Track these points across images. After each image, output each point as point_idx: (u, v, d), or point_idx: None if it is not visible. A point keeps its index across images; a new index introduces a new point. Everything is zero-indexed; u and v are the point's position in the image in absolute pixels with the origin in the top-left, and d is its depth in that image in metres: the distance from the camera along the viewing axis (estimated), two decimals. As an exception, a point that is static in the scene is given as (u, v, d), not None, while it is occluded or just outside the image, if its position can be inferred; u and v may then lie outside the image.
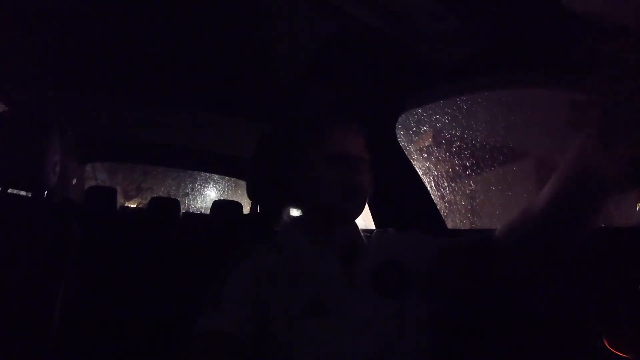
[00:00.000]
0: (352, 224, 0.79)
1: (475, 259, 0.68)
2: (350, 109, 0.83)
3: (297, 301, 0.65)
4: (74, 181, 1.98)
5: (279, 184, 0.81)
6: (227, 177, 4.23)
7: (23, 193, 1.13)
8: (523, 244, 0.61)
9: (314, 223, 0.77)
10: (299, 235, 0.76)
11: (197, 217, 2.60)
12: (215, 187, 6.77)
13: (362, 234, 0.80)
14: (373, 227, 1.35)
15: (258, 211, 2.04)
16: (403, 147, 1.30)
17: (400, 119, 1.31)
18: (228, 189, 6.13)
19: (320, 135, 0.75)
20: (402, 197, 1.24)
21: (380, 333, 0.66)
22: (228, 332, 0.60)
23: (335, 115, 0.79)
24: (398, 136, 1.29)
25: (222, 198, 4.39)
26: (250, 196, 1.17)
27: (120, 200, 1.96)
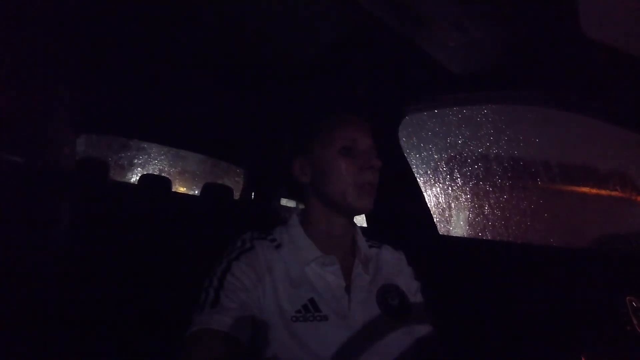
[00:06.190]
0: (353, 224, 0.77)
1: None
2: (359, 106, 0.81)
3: (294, 303, 0.64)
4: (67, 151, 1.94)
5: (282, 175, 0.78)
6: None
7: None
8: None
9: (316, 219, 0.74)
10: (300, 233, 0.73)
11: (186, 198, 2.59)
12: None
13: (363, 238, 0.78)
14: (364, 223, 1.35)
15: (252, 198, 2.04)
16: (403, 149, 1.30)
17: (403, 122, 1.30)
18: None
19: (333, 126, 0.72)
20: (397, 199, 1.24)
21: (381, 345, 0.64)
22: (226, 332, 0.57)
23: (350, 107, 0.76)
24: (400, 138, 1.29)
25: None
26: (248, 184, 1.16)
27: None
